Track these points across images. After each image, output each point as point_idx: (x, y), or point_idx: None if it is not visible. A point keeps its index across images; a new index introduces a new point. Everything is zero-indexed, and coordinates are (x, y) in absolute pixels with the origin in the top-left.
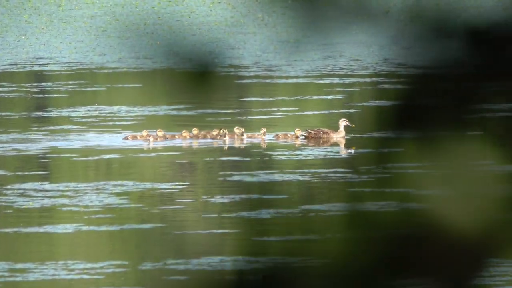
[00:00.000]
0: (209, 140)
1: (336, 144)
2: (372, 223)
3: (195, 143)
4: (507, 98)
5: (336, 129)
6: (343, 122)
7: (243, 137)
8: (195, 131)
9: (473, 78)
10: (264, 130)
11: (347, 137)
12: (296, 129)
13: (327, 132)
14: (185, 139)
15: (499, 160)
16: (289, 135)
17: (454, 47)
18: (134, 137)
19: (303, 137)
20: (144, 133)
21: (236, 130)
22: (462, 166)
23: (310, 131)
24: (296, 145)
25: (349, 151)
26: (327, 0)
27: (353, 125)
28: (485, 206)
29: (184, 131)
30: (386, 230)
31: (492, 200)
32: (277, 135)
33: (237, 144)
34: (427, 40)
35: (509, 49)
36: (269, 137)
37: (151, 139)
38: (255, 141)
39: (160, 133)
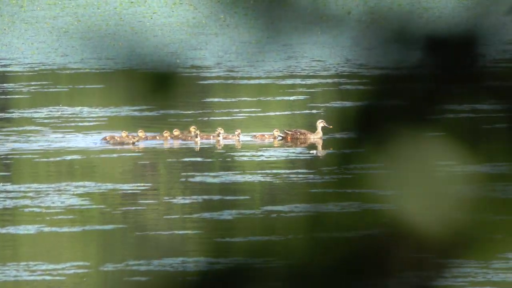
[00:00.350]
0: (189, 141)
1: (299, 145)
2: (334, 224)
3: (176, 144)
4: (469, 99)
5: (313, 130)
6: (320, 123)
7: (219, 138)
8: (176, 132)
9: (435, 79)
10: (239, 131)
11: (325, 137)
12: (275, 130)
13: (305, 133)
14: (166, 140)
15: (461, 160)
16: (266, 135)
17: (415, 49)
18: (112, 138)
19: (281, 137)
20: (124, 133)
21: (219, 131)
22: (424, 167)
23: (287, 131)
24: (271, 145)
25: (312, 152)
26: (289, 2)
27: (331, 126)
28: (447, 206)
29: (165, 131)
30: (348, 230)
31: (454, 200)
32: (254, 136)
33: (217, 145)
34: (389, 42)
35: (469, 52)
36: (245, 137)
37: (114, 139)
38: (231, 142)
39: (141, 133)
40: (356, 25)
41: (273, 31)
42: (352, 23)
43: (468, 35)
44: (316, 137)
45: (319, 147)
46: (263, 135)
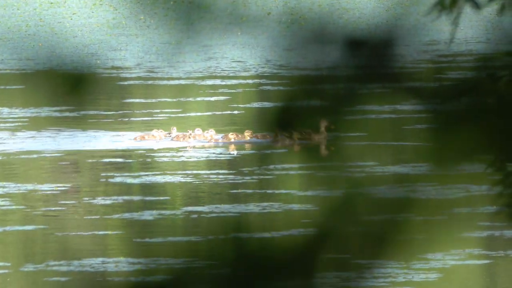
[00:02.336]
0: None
1: (216, 146)
2: (255, 224)
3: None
4: (389, 100)
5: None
6: (323, 123)
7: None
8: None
9: (355, 80)
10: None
11: (328, 138)
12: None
13: (310, 133)
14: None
15: (381, 161)
16: (268, 135)
17: (335, 49)
18: (143, 138)
19: (282, 136)
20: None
21: (246, 133)
22: (344, 167)
23: (292, 131)
24: (192, 146)
25: (232, 152)
26: (208, 2)
27: (333, 127)
28: (368, 206)
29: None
30: (269, 231)
31: (374, 200)
32: (256, 135)
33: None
34: (308, 42)
35: (389, 52)
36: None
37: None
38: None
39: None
40: (276, 25)
41: (193, 32)
42: (272, 23)
43: (387, 36)
44: (321, 137)
45: (323, 147)
46: (265, 135)
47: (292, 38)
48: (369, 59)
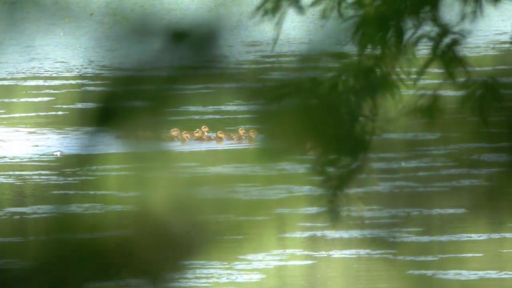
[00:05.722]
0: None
1: (42, 145)
2: (77, 225)
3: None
4: (212, 100)
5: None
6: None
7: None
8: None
9: (177, 80)
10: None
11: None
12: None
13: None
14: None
15: (203, 161)
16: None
17: (156, 49)
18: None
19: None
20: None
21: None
22: (167, 168)
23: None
24: (14, 146)
25: (55, 153)
26: (29, 2)
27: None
28: (190, 207)
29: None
30: (90, 232)
31: (196, 201)
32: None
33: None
34: (130, 42)
35: (211, 53)
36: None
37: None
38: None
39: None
40: (98, 26)
41: (16, 32)
42: (95, 24)
43: (209, 36)
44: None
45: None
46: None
47: (114, 38)
48: (192, 60)
